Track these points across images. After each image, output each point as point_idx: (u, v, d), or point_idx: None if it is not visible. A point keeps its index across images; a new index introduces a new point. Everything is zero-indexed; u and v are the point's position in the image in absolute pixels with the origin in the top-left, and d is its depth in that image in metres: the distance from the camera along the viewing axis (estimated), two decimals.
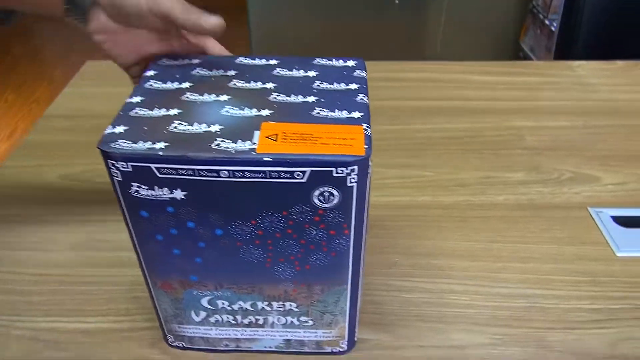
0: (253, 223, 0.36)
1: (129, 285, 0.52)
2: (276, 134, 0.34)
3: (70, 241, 0.57)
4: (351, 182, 0.34)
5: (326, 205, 0.35)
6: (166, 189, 0.34)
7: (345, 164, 0.33)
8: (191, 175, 0.34)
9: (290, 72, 0.41)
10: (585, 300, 0.50)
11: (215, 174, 0.33)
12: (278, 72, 0.42)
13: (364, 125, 0.35)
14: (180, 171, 0.34)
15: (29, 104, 2.18)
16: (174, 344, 0.46)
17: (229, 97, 0.38)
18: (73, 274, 0.54)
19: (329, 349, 0.45)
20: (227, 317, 0.43)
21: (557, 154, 0.70)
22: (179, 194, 0.35)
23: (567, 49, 1.43)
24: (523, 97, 0.82)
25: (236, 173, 0.33)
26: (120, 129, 0.36)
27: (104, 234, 0.58)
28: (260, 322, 0.43)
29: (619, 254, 0.55)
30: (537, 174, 0.66)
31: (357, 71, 0.42)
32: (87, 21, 0.45)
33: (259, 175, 0.33)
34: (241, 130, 0.35)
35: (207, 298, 0.41)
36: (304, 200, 0.34)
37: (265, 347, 0.45)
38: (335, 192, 0.34)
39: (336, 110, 0.37)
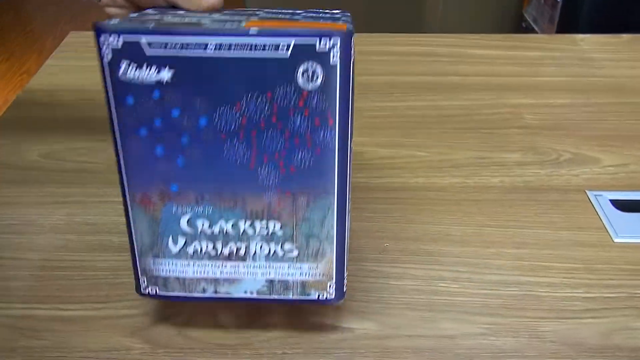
0: (237, 108, 0.36)
1: (111, 271, 0.51)
2: (262, 24, 0.36)
3: (50, 224, 0.56)
4: (334, 60, 0.35)
5: (310, 86, 0.35)
6: (154, 67, 0.36)
7: (329, 35, 0.34)
8: (179, 49, 0.35)
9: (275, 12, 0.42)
10: (580, 288, 0.49)
11: (202, 48, 0.35)
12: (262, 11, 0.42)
13: (348, 24, 0.37)
14: (169, 45, 0.35)
15: (20, 75, 2.14)
16: (146, 291, 0.42)
17: (216, 14, 0.41)
18: (53, 258, 0.52)
19: (315, 295, 0.41)
20: (207, 246, 0.40)
21: (556, 133, 0.67)
22: (166, 75, 0.36)
23: (572, 19, 1.39)
24: (522, 72, 0.79)
25: (222, 46, 0.35)
26: (113, 21, 0.37)
27: (85, 216, 0.56)
28: (242, 252, 0.40)
29: (616, 240, 0.53)
30: (535, 154, 0.64)
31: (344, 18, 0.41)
32: None
33: (245, 48, 0.35)
34: (229, 21, 0.37)
35: (187, 217, 0.39)
36: (288, 79, 0.35)
37: (246, 291, 0.42)
38: (319, 70, 0.35)
39: (320, 21, 0.39)
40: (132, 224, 0.41)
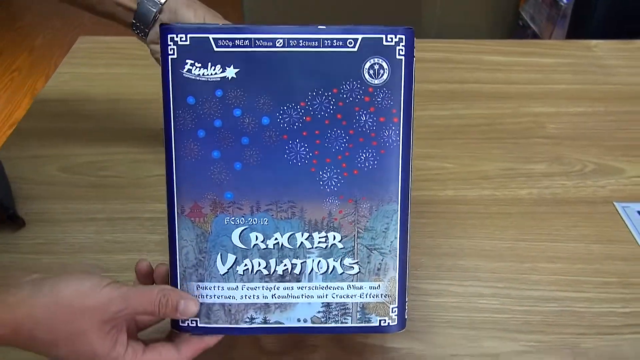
0: (302, 105, 0.36)
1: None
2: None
3: (79, 242, 0.54)
4: (400, 54, 0.36)
5: (376, 82, 0.36)
6: (219, 66, 0.37)
7: (394, 32, 0.36)
8: (247, 46, 0.36)
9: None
10: (617, 303, 0.49)
11: (270, 43, 0.36)
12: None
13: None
14: (237, 42, 0.36)
15: (10, 74, 2.08)
16: (185, 324, 0.39)
17: None
18: None
19: (376, 320, 0.39)
20: (259, 263, 0.38)
21: (579, 143, 0.68)
22: (231, 72, 0.37)
23: (583, 22, 1.39)
24: (539, 80, 0.79)
25: (291, 41, 0.36)
26: (180, 24, 0.38)
27: (113, 234, 0.55)
28: (297, 270, 0.38)
29: None
30: (560, 165, 0.64)
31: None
32: (147, 35, 0.54)
33: (313, 43, 0.36)
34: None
35: (240, 229, 0.38)
36: (354, 75, 0.36)
37: (299, 319, 0.39)
38: (385, 65, 0.36)
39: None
40: (176, 241, 0.39)
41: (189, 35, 0.36)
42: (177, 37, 0.37)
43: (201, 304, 0.39)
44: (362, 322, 0.39)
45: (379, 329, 0.39)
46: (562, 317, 0.48)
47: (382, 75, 0.36)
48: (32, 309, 0.33)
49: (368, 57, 0.36)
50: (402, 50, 0.36)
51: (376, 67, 0.36)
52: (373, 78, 0.36)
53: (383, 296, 0.39)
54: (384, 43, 0.36)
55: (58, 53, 2.22)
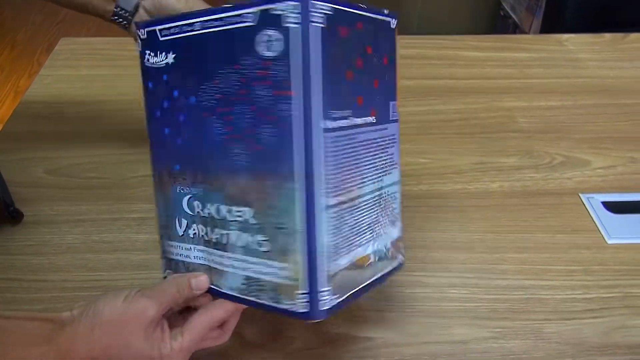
0: (215, 84, 0.39)
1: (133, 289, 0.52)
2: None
3: (66, 243, 0.56)
4: (294, 23, 0.34)
5: (269, 54, 0.35)
6: (164, 54, 0.41)
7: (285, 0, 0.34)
8: (178, 33, 0.40)
9: None
10: (579, 289, 0.52)
11: (191, 28, 0.39)
12: None
13: None
14: (172, 29, 0.40)
15: None
16: (164, 274, 0.45)
17: None
18: (73, 279, 0.53)
19: (287, 304, 0.37)
20: (201, 229, 0.41)
21: (548, 136, 0.70)
22: (170, 58, 0.41)
23: (557, 13, 1.42)
24: (513, 74, 0.82)
25: (205, 24, 0.38)
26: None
27: (100, 234, 0.57)
28: (224, 241, 0.40)
29: (610, 242, 0.57)
30: (530, 158, 0.67)
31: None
32: (129, 25, 0.55)
33: (220, 23, 0.38)
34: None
35: (187, 197, 0.42)
36: (250, 49, 0.36)
37: (230, 288, 0.40)
38: (278, 36, 0.35)
39: None
40: (158, 206, 0.45)
41: (145, 30, 0.42)
42: (139, 32, 0.42)
43: (170, 259, 0.44)
44: (274, 302, 0.38)
45: (289, 313, 0.37)
46: (528, 304, 0.51)
47: (276, 47, 0.35)
48: (79, 336, 0.37)
49: (261, 30, 0.35)
50: (296, 18, 0.34)
51: (269, 39, 0.35)
52: (266, 51, 0.35)
53: (289, 279, 0.37)
54: (276, 13, 0.35)
55: (40, 49, 2.21)
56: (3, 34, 2.33)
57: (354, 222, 0.39)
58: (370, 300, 0.51)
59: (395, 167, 0.44)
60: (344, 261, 0.38)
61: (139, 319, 0.37)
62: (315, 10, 0.34)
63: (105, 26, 0.60)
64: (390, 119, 0.44)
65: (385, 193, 0.43)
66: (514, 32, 1.89)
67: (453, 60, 0.85)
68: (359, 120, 0.39)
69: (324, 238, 0.36)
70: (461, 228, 0.58)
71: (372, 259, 0.41)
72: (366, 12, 0.40)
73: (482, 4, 2.09)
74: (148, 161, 0.68)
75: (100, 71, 0.81)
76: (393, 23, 0.43)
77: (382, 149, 0.42)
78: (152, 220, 0.58)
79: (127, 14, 0.54)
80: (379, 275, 0.42)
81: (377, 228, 0.42)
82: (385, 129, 0.43)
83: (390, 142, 0.44)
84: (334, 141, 0.37)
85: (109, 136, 0.69)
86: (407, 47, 0.88)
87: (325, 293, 0.37)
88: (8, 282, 0.52)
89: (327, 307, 0.37)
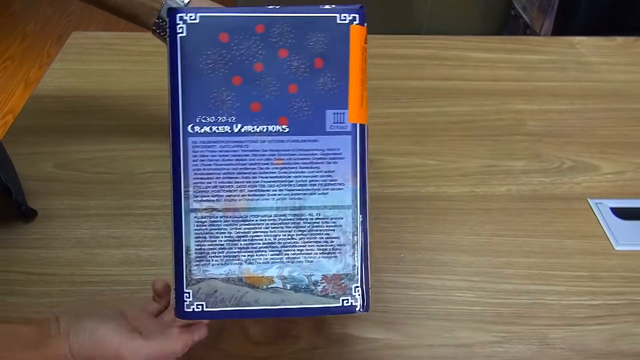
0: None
1: (139, 285, 0.52)
2: None
3: (75, 237, 0.57)
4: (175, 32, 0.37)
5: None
6: None
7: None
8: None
9: None
10: (585, 296, 0.52)
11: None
12: None
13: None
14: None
15: (4, 62, 2.08)
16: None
17: None
18: (81, 273, 0.53)
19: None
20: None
21: (558, 140, 0.70)
22: None
23: (568, 16, 1.41)
24: (523, 77, 0.81)
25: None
26: None
27: (108, 229, 0.58)
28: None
29: (617, 248, 0.57)
30: (539, 162, 0.67)
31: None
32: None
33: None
34: None
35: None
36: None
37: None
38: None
39: None
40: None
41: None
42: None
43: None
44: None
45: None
46: (533, 309, 0.51)
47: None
48: (70, 351, 0.38)
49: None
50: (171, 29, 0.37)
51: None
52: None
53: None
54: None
55: (50, 41, 2.21)
56: (14, 25, 2.34)
57: (238, 234, 0.37)
58: (374, 302, 0.51)
59: (337, 188, 0.38)
60: (218, 271, 0.37)
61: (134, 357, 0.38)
62: (180, 21, 0.37)
63: (114, 20, 0.60)
64: (327, 130, 0.38)
65: (309, 215, 0.38)
66: (525, 33, 1.88)
67: (463, 61, 0.84)
68: (249, 128, 0.37)
69: (189, 240, 0.37)
70: (468, 231, 0.58)
71: (277, 284, 0.38)
72: (270, 12, 0.37)
73: (493, 4, 2.08)
74: (156, 157, 0.68)
75: (110, 66, 0.81)
76: (343, 18, 0.38)
77: (306, 163, 0.38)
78: (161, 216, 0.59)
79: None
80: (300, 306, 0.37)
81: (289, 252, 0.38)
82: (316, 141, 0.38)
83: (325, 157, 0.38)
84: (200, 146, 0.37)
85: (118, 132, 0.70)
86: (416, 47, 0.87)
87: (187, 295, 0.37)
88: (18, 274, 0.53)
89: (190, 311, 0.37)
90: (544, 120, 0.73)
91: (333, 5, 0.38)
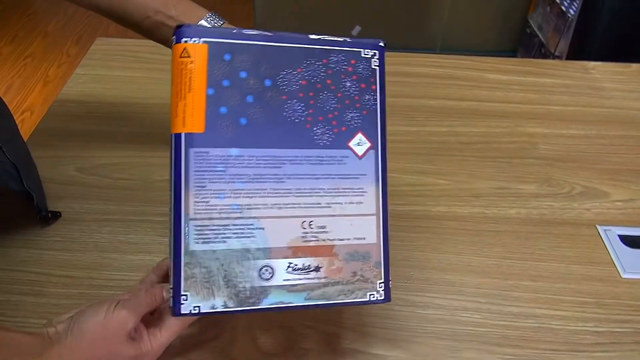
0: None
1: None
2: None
3: (94, 241, 0.59)
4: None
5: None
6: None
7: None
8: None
9: None
10: (591, 322, 0.53)
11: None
12: None
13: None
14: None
15: (24, 59, 2.13)
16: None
17: None
18: (99, 277, 0.55)
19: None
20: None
21: (569, 165, 0.71)
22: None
23: (584, 39, 1.41)
24: (536, 100, 0.82)
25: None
26: None
27: (126, 235, 0.59)
28: None
29: (624, 276, 0.57)
30: (549, 186, 0.68)
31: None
32: None
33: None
34: None
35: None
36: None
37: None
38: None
39: None
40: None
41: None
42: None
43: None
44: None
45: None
46: (539, 333, 0.52)
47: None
48: (68, 352, 0.40)
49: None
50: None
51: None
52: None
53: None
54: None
55: (70, 41, 2.26)
56: (36, 23, 2.39)
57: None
58: (382, 318, 0.52)
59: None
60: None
61: (121, 330, 0.42)
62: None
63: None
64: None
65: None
66: (540, 51, 1.89)
67: (477, 82, 0.85)
68: None
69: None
70: (477, 252, 0.59)
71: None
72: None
73: (509, 21, 2.09)
74: None
75: (133, 73, 0.83)
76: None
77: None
78: None
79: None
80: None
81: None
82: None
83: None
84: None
85: (138, 138, 0.72)
86: (431, 65, 0.89)
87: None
88: (38, 275, 0.55)
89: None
90: (556, 144, 0.74)
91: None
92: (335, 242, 0.42)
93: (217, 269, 0.40)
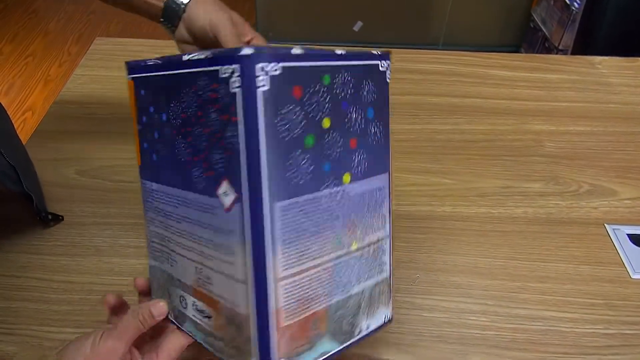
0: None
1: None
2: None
3: (94, 246, 0.58)
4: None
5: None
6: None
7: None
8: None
9: None
10: (600, 324, 0.52)
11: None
12: None
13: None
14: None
15: (25, 58, 2.12)
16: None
17: None
18: (100, 282, 0.54)
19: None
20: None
21: (576, 163, 0.70)
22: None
23: (590, 32, 1.39)
24: (542, 96, 0.81)
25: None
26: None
27: (126, 238, 0.59)
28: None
29: (634, 276, 0.56)
30: (555, 185, 0.67)
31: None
32: (174, 32, 0.56)
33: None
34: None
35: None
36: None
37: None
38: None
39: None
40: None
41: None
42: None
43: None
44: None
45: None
46: (547, 336, 0.51)
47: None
48: None
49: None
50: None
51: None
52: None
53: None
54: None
55: (71, 39, 2.25)
56: (37, 22, 2.38)
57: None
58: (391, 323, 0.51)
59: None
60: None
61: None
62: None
63: (134, 20, 0.61)
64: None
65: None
66: (544, 45, 1.87)
67: (482, 78, 0.84)
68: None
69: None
70: (483, 253, 0.58)
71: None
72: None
73: (512, 16, 2.07)
74: None
75: None
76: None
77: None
78: None
79: (171, 25, 0.55)
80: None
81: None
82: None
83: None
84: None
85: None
86: (435, 62, 0.87)
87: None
88: (39, 281, 0.54)
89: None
90: (562, 141, 0.73)
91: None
92: (219, 299, 0.36)
93: (163, 284, 0.43)
